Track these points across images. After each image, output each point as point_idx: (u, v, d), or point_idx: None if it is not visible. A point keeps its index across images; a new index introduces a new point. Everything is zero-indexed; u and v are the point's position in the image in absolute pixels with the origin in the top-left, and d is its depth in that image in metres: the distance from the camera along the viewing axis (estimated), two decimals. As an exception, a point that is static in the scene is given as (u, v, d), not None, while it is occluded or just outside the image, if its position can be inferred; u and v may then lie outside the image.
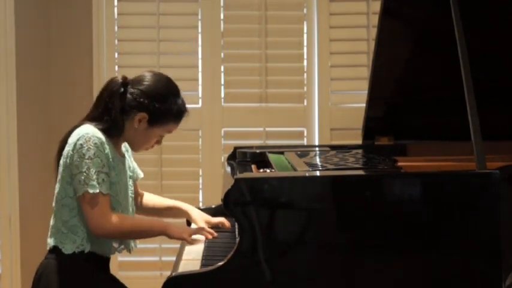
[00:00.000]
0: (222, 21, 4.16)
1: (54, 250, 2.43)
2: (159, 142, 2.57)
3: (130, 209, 2.55)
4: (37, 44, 4.12)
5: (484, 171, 2.20)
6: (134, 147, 2.57)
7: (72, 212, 2.40)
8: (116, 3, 4.16)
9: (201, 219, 2.71)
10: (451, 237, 2.16)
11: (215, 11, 4.16)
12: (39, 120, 4.10)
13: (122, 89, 2.46)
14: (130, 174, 2.61)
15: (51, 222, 2.46)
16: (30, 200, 3.99)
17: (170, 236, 2.49)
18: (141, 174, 2.71)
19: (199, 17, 4.17)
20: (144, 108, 2.45)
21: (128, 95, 2.45)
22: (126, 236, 2.49)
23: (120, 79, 2.48)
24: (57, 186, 2.45)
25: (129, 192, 2.55)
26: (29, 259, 3.92)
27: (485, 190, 2.18)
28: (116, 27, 4.16)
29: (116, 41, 4.15)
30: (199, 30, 4.17)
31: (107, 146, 2.40)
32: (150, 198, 2.81)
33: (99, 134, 2.39)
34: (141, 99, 2.45)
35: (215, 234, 2.54)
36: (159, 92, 2.47)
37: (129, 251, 2.56)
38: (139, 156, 4.10)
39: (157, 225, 2.51)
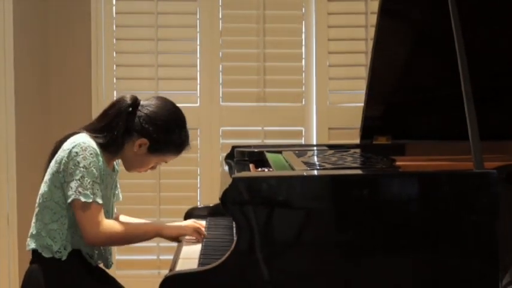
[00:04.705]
0: (220, 21, 4.16)
1: (35, 254, 2.41)
2: (153, 168, 2.54)
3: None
4: (35, 43, 4.11)
5: (482, 170, 2.20)
6: (128, 168, 2.53)
7: (54, 216, 2.38)
8: (114, 2, 4.15)
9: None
10: (449, 237, 2.16)
11: (213, 10, 4.15)
12: (37, 119, 4.09)
13: (130, 109, 2.43)
14: (116, 192, 2.60)
15: (32, 222, 2.44)
16: (28, 199, 3.98)
17: (165, 237, 2.50)
18: (120, 198, 2.65)
19: (198, 16, 4.16)
20: (147, 134, 2.42)
21: (135, 118, 2.43)
22: (121, 243, 2.48)
23: (129, 100, 2.44)
24: (43, 187, 2.43)
25: (111, 207, 2.53)
26: (27, 258, 3.91)
27: (483, 190, 2.18)
28: (114, 26, 4.16)
29: (114, 40, 4.15)
30: (198, 29, 4.16)
31: (100, 159, 2.38)
32: (125, 221, 2.66)
33: (95, 145, 2.37)
34: (146, 125, 2.41)
35: (203, 235, 2.54)
36: (165, 122, 2.43)
37: (108, 266, 2.52)
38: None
39: (151, 228, 2.48)
